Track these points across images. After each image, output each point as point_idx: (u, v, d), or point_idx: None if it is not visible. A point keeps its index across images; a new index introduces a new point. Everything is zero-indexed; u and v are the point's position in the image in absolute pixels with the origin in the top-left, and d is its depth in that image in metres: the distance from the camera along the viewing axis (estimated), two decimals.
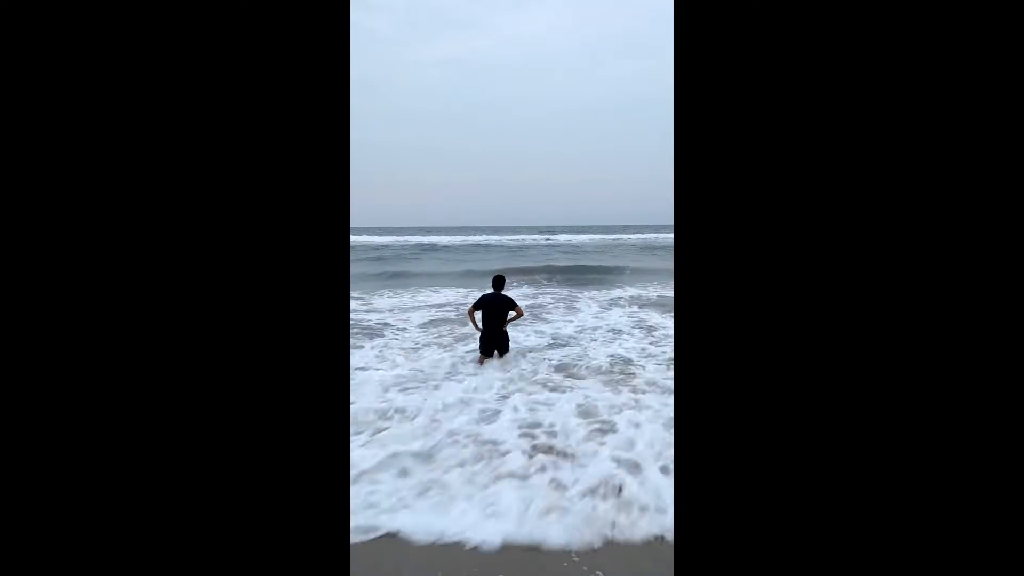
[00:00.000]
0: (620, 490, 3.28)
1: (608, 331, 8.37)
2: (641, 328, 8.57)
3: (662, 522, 2.96)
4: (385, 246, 33.84)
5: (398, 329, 8.65)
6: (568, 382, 5.69)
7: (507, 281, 7.20)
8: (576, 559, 2.69)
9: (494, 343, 6.56)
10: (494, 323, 6.54)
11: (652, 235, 50.48)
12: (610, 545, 2.81)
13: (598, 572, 2.59)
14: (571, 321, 9.33)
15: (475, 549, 2.78)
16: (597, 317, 9.71)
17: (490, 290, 6.81)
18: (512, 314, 6.62)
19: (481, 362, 6.52)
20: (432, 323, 9.16)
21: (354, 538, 2.84)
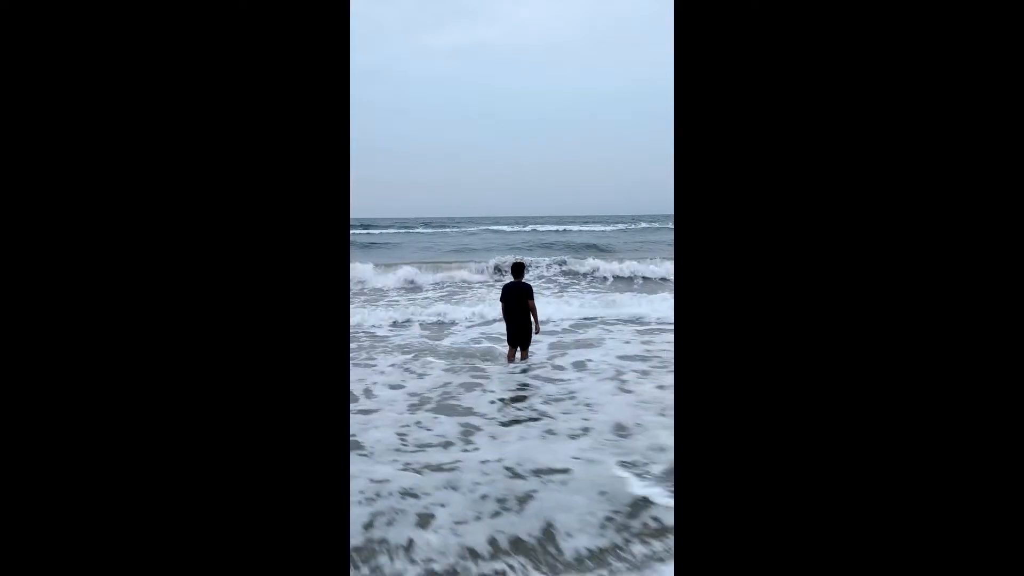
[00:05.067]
0: None
1: None
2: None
3: None
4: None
5: None
6: None
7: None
8: None
9: (519, 335, 6.28)
10: (516, 313, 6.23)
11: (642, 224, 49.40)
12: None
13: None
14: None
15: None
16: None
17: (511, 279, 6.44)
18: (530, 303, 6.24)
19: (510, 357, 6.33)
20: None
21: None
